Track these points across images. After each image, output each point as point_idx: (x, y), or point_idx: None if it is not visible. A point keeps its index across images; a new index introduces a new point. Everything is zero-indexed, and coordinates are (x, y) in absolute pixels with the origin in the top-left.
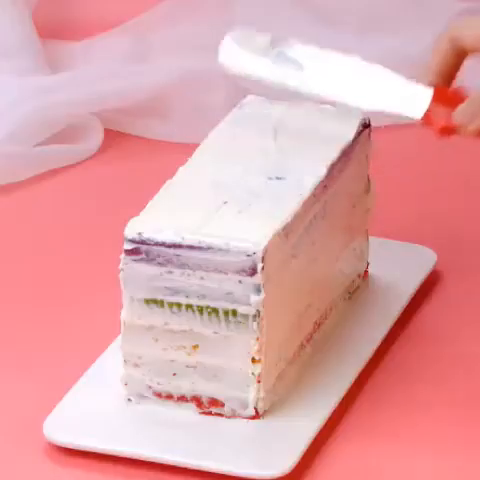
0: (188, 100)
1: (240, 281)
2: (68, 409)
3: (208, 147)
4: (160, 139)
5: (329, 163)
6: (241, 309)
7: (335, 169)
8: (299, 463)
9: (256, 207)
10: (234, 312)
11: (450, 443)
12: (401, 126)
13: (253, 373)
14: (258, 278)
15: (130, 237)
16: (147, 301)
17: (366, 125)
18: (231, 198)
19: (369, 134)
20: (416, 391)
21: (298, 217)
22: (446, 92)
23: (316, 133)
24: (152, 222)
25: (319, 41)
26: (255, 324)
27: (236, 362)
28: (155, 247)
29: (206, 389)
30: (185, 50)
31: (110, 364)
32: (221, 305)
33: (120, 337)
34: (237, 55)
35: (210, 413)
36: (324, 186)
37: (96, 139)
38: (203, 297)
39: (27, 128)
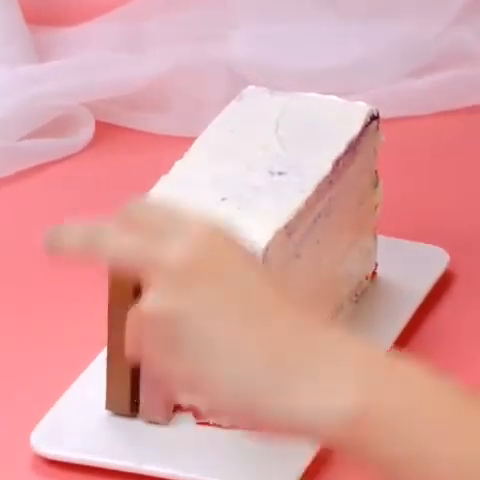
0: (185, 91)
1: None
2: (55, 421)
3: (206, 141)
4: (155, 132)
5: (334, 157)
6: None
7: (341, 164)
8: (303, 477)
9: (257, 204)
10: None
11: None
12: (411, 118)
13: None
14: None
15: None
16: None
17: (374, 117)
18: (230, 194)
19: (377, 126)
20: None
21: (301, 215)
22: None
23: (321, 125)
24: None
25: (325, 28)
26: None
27: None
28: None
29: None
30: (183, 38)
31: (99, 374)
32: None
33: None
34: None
35: (208, 424)
36: (329, 182)
37: (87, 132)
38: None
39: (13, 120)
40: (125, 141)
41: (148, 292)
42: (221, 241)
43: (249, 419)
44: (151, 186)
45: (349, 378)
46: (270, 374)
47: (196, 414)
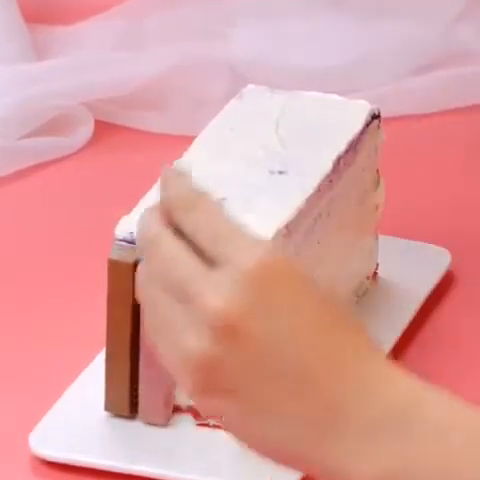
0: (185, 90)
1: None
2: (54, 422)
3: (205, 140)
4: (155, 131)
5: (335, 156)
6: None
7: (342, 163)
8: (303, 478)
9: (257, 204)
10: None
11: None
12: (413, 116)
13: None
14: None
15: (121, 237)
16: None
17: (375, 115)
18: (230, 194)
19: (379, 125)
20: None
21: (302, 214)
22: None
23: (321, 124)
24: None
25: (325, 26)
26: None
27: None
28: None
29: None
30: (182, 36)
31: (98, 375)
32: None
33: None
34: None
35: (207, 425)
36: (330, 181)
37: (86, 131)
38: None
39: (11, 120)
40: (124, 140)
41: (193, 331)
42: (273, 277)
43: (275, 461)
44: (150, 185)
45: (382, 439)
46: (308, 433)
47: (195, 415)
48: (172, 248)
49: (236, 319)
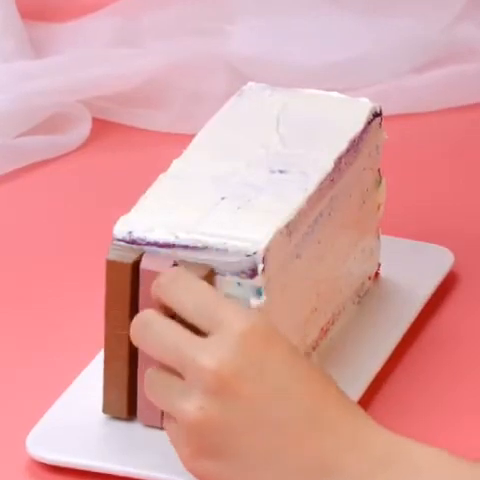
0: (184, 87)
1: (239, 283)
2: (52, 424)
3: (205, 138)
4: (153, 129)
5: (336, 155)
6: None
7: (343, 162)
8: None
9: (257, 203)
10: None
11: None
12: (415, 114)
13: None
14: (259, 280)
15: (120, 236)
16: None
17: (377, 114)
18: (230, 193)
19: (380, 123)
20: (432, 402)
21: (303, 214)
22: None
23: (322, 122)
24: (143, 220)
25: (327, 23)
26: None
27: None
28: (147, 247)
29: None
30: (181, 33)
31: (96, 377)
32: None
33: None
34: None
35: None
36: (331, 180)
37: (83, 129)
38: None
39: (8, 118)
40: (122, 138)
41: (189, 394)
42: (260, 339)
43: None
44: (149, 184)
45: None
46: None
47: None
48: (164, 324)
49: (230, 379)
